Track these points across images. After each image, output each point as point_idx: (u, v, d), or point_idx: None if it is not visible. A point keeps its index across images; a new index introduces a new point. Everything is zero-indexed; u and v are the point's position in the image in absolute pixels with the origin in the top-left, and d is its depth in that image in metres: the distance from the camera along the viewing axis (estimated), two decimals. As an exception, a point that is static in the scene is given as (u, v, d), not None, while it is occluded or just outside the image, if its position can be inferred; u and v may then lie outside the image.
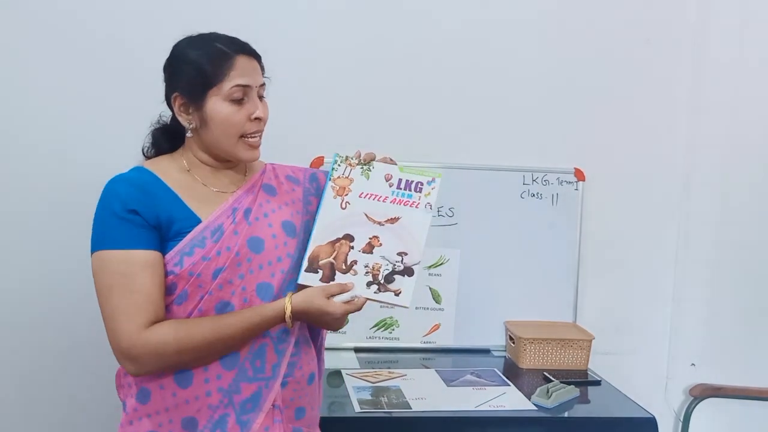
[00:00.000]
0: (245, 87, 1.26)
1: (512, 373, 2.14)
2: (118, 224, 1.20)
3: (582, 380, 2.10)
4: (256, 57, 1.31)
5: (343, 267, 1.31)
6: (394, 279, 1.31)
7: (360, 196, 1.34)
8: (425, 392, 1.91)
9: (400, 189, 1.35)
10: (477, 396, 1.90)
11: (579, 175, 2.38)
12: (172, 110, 1.31)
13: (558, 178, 2.37)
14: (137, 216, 1.20)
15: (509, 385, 2.00)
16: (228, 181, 1.34)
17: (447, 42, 2.30)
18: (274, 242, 1.30)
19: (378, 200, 1.34)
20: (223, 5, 2.17)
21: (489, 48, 2.32)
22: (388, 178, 1.36)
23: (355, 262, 1.31)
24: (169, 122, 1.37)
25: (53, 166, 2.13)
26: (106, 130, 2.12)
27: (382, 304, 1.33)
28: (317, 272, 1.30)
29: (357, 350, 2.28)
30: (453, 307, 2.32)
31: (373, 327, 2.30)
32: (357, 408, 1.77)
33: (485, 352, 2.35)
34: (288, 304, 1.23)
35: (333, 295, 1.26)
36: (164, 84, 1.31)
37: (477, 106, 2.34)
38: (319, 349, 1.44)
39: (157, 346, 1.18)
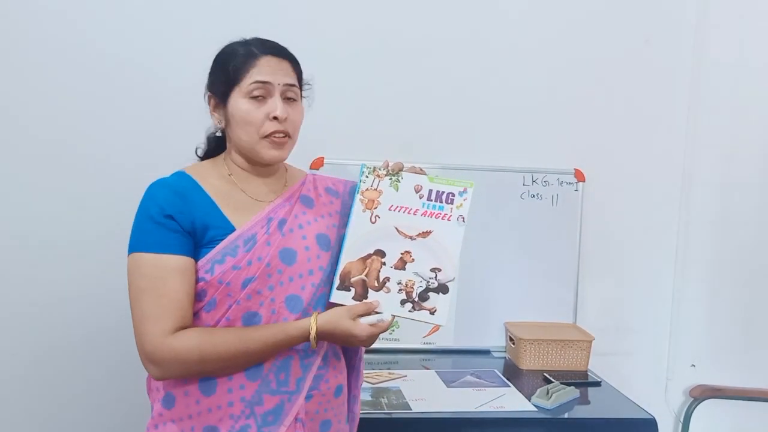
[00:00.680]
0: (265, 84, 1.25)
1: (512, 374, 2.14)
2: (154, 228, 1.21)
3: (582, 381, 2.10)
4: (289, 59, 1.30)
5: (376, 284, 1.28)
6: (428, 297, 1.28)
7: (390, 209, 1.31)
8: (425, 393, 1.90)
9: (431, 201, 1.31)
10: (477, 397, 1.89)
11: (579, 175, 2.38)
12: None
13: (558, 179, 2.36)
14: (173, 221, 1.21)
15: (509, 386, 2.00)
16: (267, 190, 1.33)
17: (447, 43, 2.30)
18: (306, 255, 1.29)
19: (408, 213, 1.31)
20: (222, 5, 2.17)
21: (489, 49, 2.32)
22: (417, 189, 1.32)
23: (388, 279, 1.28)
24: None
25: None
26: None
27: (418, 323, 1.30)
28: (349, 290, 1.28)
29: (357, 351, 2.27)
30: (453, 308, 2.32)
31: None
32: (357, 409, 1.77)
33: (485, 353, 2.35)
34: (313, 324, 1.22)
35: (359, 315, 1.25)
36: None
37: (477, 107, 2.33)
38: (357, 364, 1.44)
39: (180, 352, 1.18)
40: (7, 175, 2.11)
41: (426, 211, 1.31)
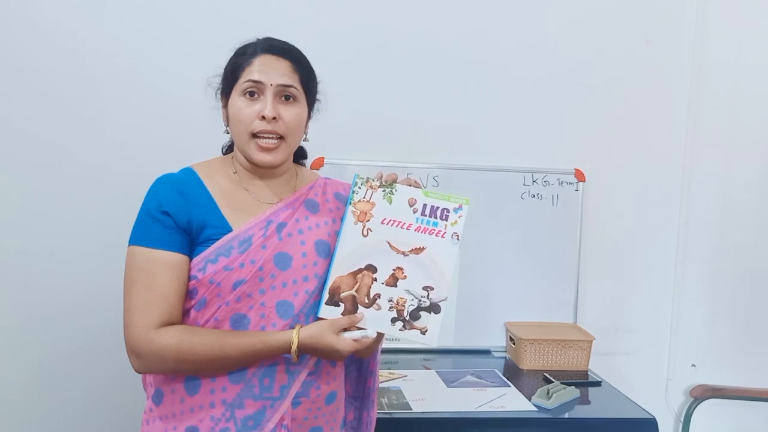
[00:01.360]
0: (257, 83, 1.23)
1: (512, 373, 2.14)
2: (150, 222, 1.22)
3: (582, 381, 2.10)
4: (291, 59, 1.27)
5: (366, 301, 1.25)
6: (420, 316, 1.25)
7: (382, 223, 1.26)
8: (426, 393, 1.90)
9: (425, 216, 1.27)
10: (477, 397, 1.89)
11: (579, 175, 2.38)
12: None
13: (558, 179, 2.36)
14: (168, 218, 1.21)
15: (509, 386, 2.00)
16: (271, 192, 1.31)
17: (447, 43, 2.30)
18: (303, 261, 1.26)
19: (401, 227, 1.27)
20: (222, 8, 2.17)
21: (489, 49, 2.32)
22: (412, 203, 1.27)
23: (379, 295, 1.25)
24: None
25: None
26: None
27: (407, 342, 1.26)
28: (338, 305, 1.24)
29: (357, 351, 2.27)
30: (453, 308, 2.32)
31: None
32: (357, 409, 1.76)
33: (485, 352, 2.35)
34: (295, 338, 1.19)
35: (343, 330, 1.22)
36: None
37: (477, 107, 2.33)
38: (375, 369, 1.42)
39: (158, 348, 1.18)
40: (7, 177, 2.12)
41: (419, 227, 1.27)
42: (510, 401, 1.88)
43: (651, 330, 2.48)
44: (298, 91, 1.27)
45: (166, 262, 1.20)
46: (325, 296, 1.25)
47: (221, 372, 1.21)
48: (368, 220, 1.27)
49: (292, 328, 1.22)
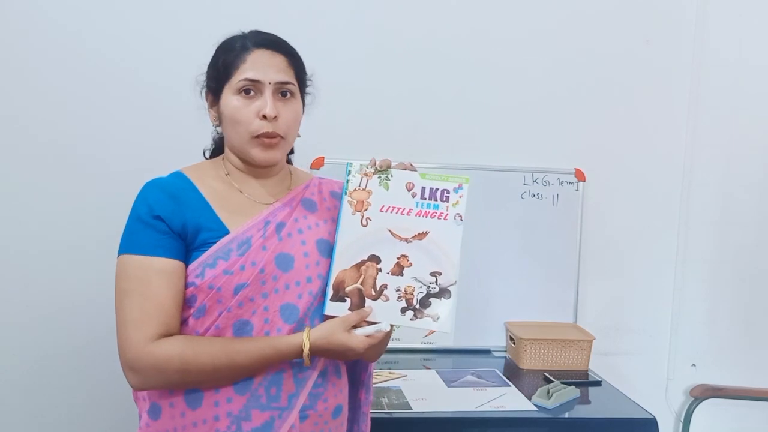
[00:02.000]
0: (254, 82, 1.18)
1: (513, 373, 2.14)
2: (142, 229, 1.15)
3: (582, 381, 2.10)
4: (285, 53, 1.23)
5: (373, 293, 1.20)
6: (430, 303, 1.20)
7: (381, 210, 1.21)
8: (426, 393, 1.90)
9: (425, 199, 1.22)
10: (477, 397, 1.89)
11: (579, 175, 2.38)
12: None
13: (558, 179, 2.37)
14: (161, 222, 1.15)
15: (510, 386, 2.00)
16: (266, 192, 1.26)
17: (447, 43, 2.30)
18: (305, 261, 1.21)
19: (401, 213, 1.22)
20: (221, 6, 2.17)
21: (489, 49, 2.32)
22: (409, 188, 1.22)
23: (386, 286, 1.20)
24: None
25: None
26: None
27: (421, 331, 1.21)
28: (344, 301, 1.19)
29: (357, 351, 2.27)
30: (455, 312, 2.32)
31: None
32: (357, 409, 1.76)
33: (486, 352, 2.35)
34: (306, 340, 1.14)
35: (355, 326, 1.17)
36: None
37: (477, 107, 2.33)
38: (367, 380, 1.36)
39: (159, 360, 1.11)
40: (6, 177, 2.12)
41: (420, 211, 1.22)
42: (510, 401, 1.88)
43: (651, 330, 2.48)
44: (295, 87, 1.24)
45: (161, 269, 1.13)
46: (330, 292, 1.20)
47: (227, 383, 1.15)
48: (366, 209, 1.22)
49: (298, 332, 1.17)
